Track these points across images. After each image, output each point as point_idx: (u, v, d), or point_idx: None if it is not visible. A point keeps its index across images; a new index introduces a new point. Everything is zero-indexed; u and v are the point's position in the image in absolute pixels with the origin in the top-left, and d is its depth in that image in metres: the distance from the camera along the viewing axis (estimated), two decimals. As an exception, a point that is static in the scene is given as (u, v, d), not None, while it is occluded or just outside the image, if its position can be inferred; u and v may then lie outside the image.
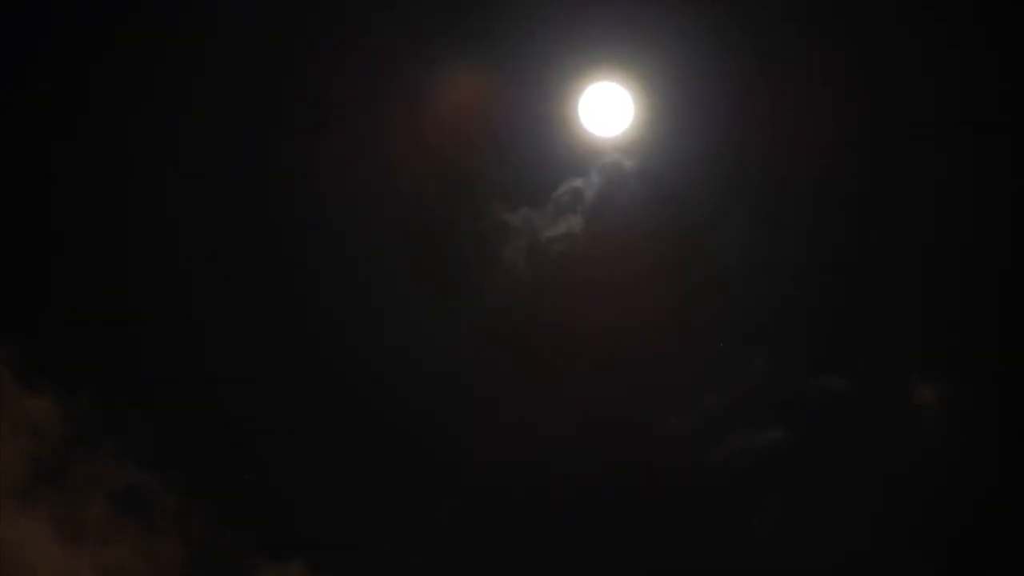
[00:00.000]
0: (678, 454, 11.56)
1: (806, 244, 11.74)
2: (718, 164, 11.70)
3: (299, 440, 11.63)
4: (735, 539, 11.43)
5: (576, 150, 11.82)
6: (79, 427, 11.20)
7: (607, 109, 11.91)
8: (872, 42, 11.62)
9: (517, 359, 11.76)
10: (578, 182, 11.78)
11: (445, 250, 11.94)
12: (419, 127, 11.62)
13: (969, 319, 11.35)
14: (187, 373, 11.56)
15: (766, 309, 11.64)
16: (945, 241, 11.44)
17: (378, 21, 11.58)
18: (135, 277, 11.62)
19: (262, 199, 11.77)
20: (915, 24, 11.53)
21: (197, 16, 11.47)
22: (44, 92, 11.29)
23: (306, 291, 11.78)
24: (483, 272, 11.84)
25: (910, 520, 11.33)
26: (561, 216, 11.76)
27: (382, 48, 11.62)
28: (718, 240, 11.67)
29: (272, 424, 11.64)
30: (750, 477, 11.52)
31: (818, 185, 11.73)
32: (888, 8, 11.52)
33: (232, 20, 11.52)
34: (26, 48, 11.24)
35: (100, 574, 10.84)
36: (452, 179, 11.74)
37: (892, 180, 11.69)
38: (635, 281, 11.50)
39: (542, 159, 11.83)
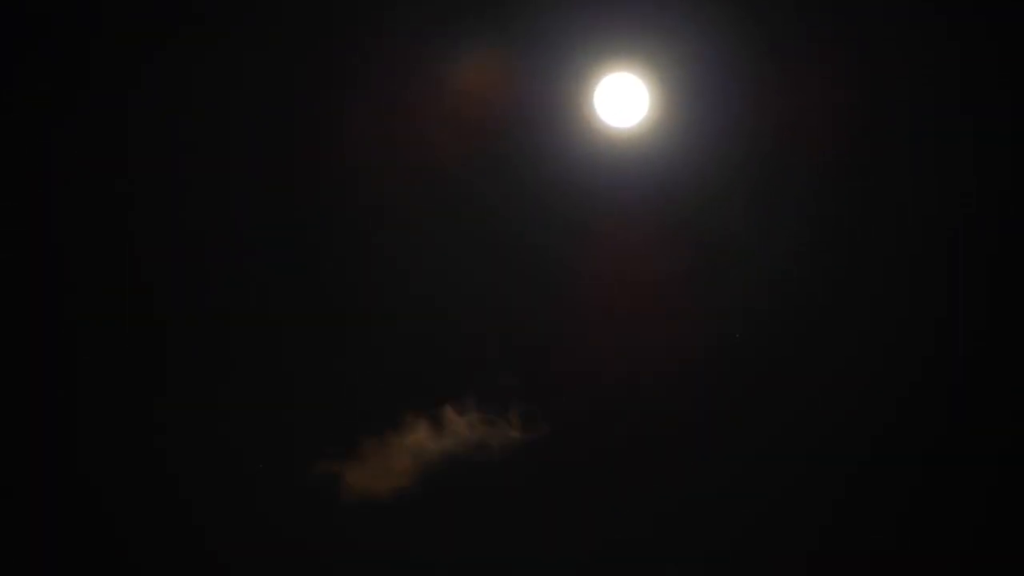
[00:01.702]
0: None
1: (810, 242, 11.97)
2: (732, 156, 11.88)
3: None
4: None
5: (590, 140, 11.96)
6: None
7: (622, 100, 12.06)
8: (890, 33, 11.79)
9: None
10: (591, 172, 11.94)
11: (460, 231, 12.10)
12: (431, 118, 11.77)
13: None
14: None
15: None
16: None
17: (386, 13, 11.72)
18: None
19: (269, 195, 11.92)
20: (927, 19, 11.72)
21: (211, 5, 11.58)
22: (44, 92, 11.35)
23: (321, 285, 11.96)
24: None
25: None
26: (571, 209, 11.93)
27: (390, 39, 11.77)
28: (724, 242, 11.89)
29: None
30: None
31: (829, 180, 11.94)
32: (902, 3, 11.69)
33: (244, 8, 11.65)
34: (31, 47, 11.30)
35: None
36: (465, 167, 11.90)
37: (902, 179, 11.91)
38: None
39: (556, 149, 11.98)
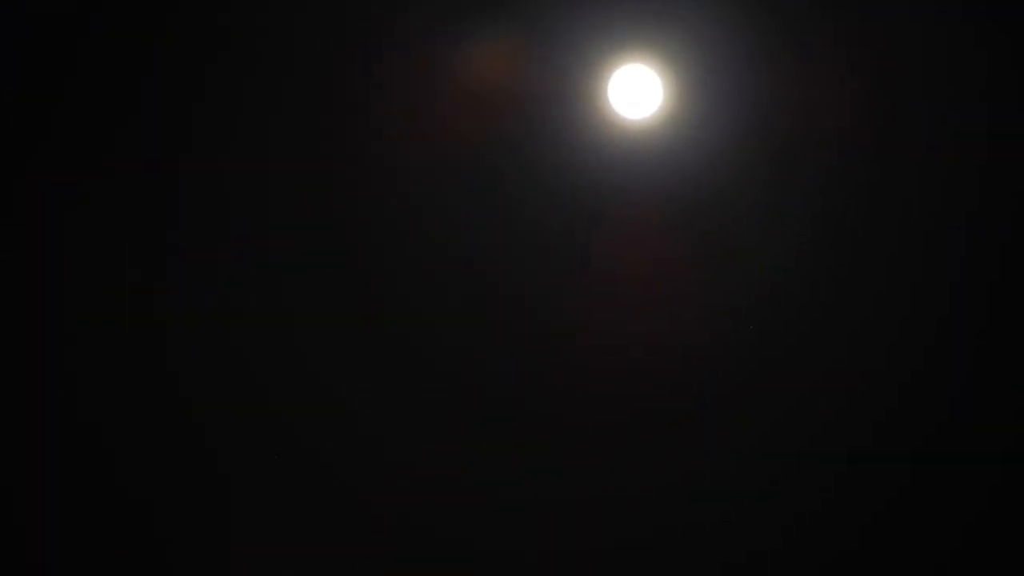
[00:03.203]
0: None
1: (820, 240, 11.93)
2: (746, 149, 11.76)
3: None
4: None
5: (604, 132, 11.79)
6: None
7: (636, 92, 11.88)
8: (907, 27, 11.65)
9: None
10: (605, 165, 11.76)
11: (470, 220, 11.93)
12: (442, 110, 11.51)
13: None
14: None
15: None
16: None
17: (397, 5, 11.38)
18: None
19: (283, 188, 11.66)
20: (946, 15, 11.60)
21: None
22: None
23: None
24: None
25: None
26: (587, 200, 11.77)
27: (401, 32, 11.45)
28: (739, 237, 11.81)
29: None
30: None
31: (843, 174, 11.86)
32: (919, -3, 11.53)
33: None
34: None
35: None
36: (476, 159, 11.69)
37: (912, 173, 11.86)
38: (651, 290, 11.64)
39: (568, 141, 11.80)
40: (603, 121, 12.01)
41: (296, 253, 11.69)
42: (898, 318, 12.01)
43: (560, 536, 12.01)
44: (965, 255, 11.72)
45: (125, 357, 11.45)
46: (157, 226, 11.39)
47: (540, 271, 12.25)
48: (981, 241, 11.73)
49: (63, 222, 11.24)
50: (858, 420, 11.89)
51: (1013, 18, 11.54)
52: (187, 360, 11.65)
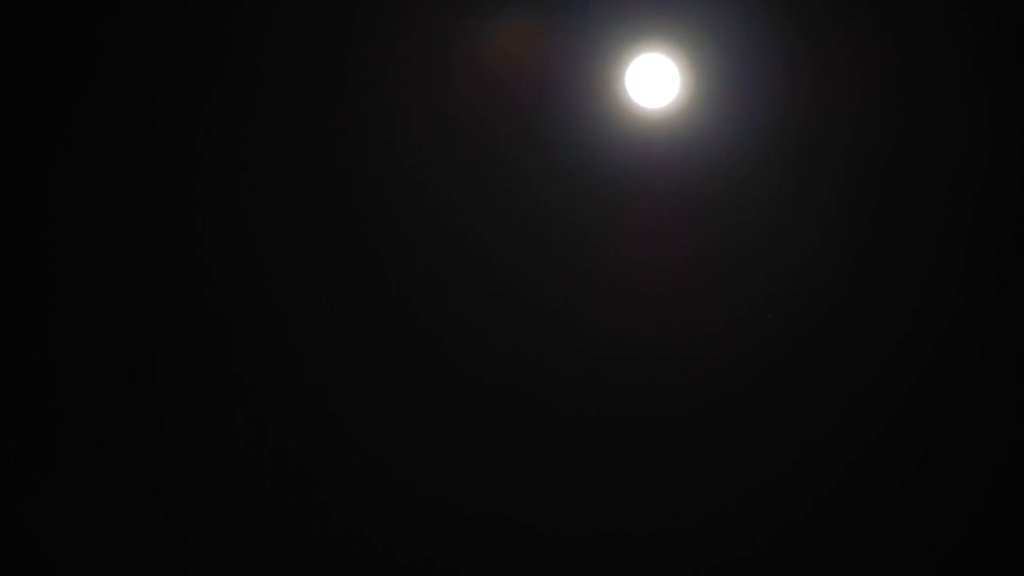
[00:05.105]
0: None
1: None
2: (763, 138, 11.79)
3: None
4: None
5: (621, 121, 11.85)
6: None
7: (653, 81, 11.92)
8: (920, 18, 11.66)
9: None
10: (622, 154, 11.83)
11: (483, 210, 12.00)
12: (458, 98, 11.57)
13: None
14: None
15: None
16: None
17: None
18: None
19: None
20: (963, 9, 11.61)
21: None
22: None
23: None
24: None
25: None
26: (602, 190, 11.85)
27: (415, 19, 11.48)
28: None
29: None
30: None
31: (860, 166, 11.89)
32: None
33: None
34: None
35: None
36: (491, 147, 11.75)
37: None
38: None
39: (587, 130, 11.86)
40: (620, 110, 12.04)
41: (316, 240, 11.81)
42: (912, 303, 12.03)
43: (580, 515, 12.13)
44: (973, 248, 11.74)
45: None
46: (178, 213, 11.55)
47: (555, 258, 12.30)
48: (990, 237, 11.75)
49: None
50: (869, 410, 11.95)
51: (1019, 17, 11.53)
52: (246, 344, 11.81)
